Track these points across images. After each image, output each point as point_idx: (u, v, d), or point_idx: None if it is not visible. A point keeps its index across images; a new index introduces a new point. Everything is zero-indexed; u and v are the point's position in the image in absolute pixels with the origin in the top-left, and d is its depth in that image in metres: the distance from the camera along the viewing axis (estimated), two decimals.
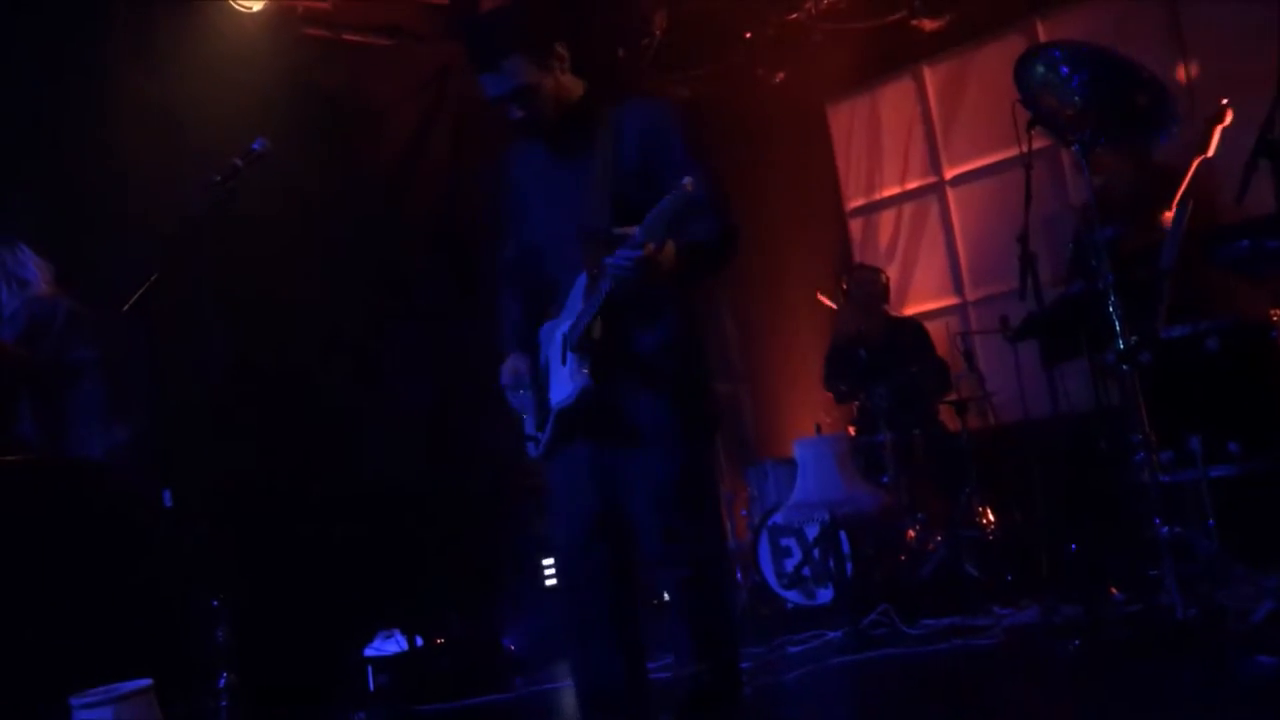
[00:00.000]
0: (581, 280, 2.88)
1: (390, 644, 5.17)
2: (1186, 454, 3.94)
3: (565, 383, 2.87)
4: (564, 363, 2.88)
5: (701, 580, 2.88)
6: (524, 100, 2.80)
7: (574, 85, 2.91)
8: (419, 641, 5.08)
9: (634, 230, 2.60)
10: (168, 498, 2.81)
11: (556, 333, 2.96)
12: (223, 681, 3.31)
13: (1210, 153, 4.47)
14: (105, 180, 4.51)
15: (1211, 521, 3.88)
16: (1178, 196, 4.46)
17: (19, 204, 4.16)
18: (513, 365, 3.02)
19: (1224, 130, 4.44)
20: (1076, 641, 3.65)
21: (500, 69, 2.75)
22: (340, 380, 5.11)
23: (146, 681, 2.42)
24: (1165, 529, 3.73)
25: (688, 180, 2.51)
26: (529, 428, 3.02)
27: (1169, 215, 4.68)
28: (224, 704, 3.32)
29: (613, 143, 2.87)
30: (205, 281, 3.04)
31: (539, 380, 3.00)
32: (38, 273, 4.05)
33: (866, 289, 6.23)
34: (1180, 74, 5.71)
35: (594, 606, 2.93)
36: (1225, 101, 4.47)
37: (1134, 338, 3.82)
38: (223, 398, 4.45)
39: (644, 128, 2.89)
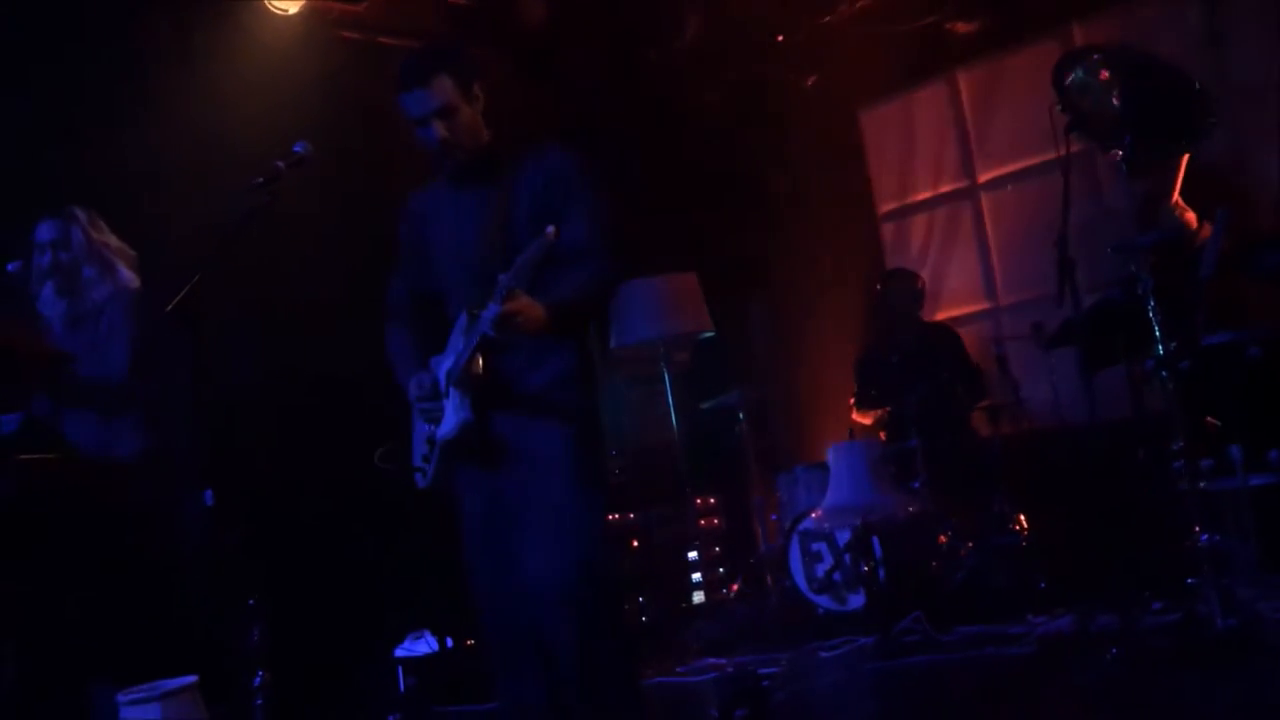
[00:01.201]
0: (462, 319, 3.00)
1: (420, 644, 5.18)
2: (1226, 462, 3.90)
3: (450, 416, 2.96)
4: (447, 397, 2.97)
5: (579, 615, 2.85)
6: (447, 119, 2.95)
7: (483, 130, 3.07)
8: (449, 642, 5.10)
9: (502, 276, 2.73)
10: (209, 497, 2.83)
11: (440, 369, 3.04)
12: (258, 680, 3.33)
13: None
14: (144, 183, 4.55)
15: (1251, 530, 3.84)
16: (1174, 197, 4.43)
17: (57, 208, 4.19)
18: (418, 380, 3.06)
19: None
20: (1113, 650, 3.62)
21: (429, 85, 2.92)
22: (376, 382, 5.12)
23: (192, 678, 2.43)
24: (1204, 537, 3.70)
25: (550, 229, 2.67)
26: (415, 458, 3.10)
27: (1191, 216, 4.65)
28: (259, 703, 3.34)
29: (511, 186, 3.02)
30: (246, 284, 3.05)
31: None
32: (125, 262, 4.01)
33: (902, 295, 6.20)
34: (1218, 77, 5.65)
35: (513, 637, 2.97)
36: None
37: (1174, 345, 3.79)
38: (262, 399, 4.48)
39: (543, 173, 3.03)
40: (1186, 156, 4.38)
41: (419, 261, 3.21)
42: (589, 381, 3.06)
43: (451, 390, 2.94)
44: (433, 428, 3.02)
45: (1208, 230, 4.47)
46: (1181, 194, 4.75)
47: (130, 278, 3.96)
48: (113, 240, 3.99)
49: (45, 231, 3.90)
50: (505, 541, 2.96)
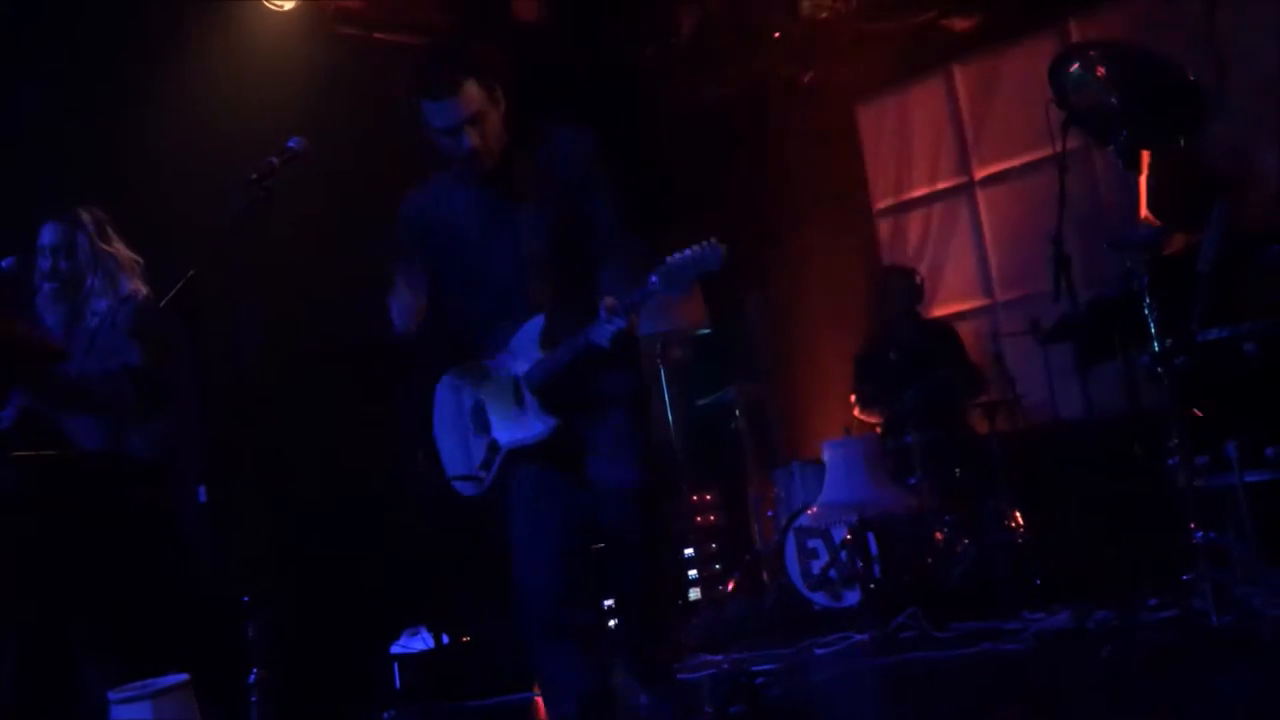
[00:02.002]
0: (536, 324, 2.97)
1: (417, 641, 5.18)
2: (1222, 459, 3.90)
3: (532, 422, 2.98)
4: (518, 403, 2.97)
5: (648, 516, 2.99)
6: (478, 126, 2.90)
7: (505, 132, 3.01)
8: (445, 639, 5.10)
9: (607, 302, 2.76)
10: (203, 494, 2.83)
11: (503, 373, 3.02)
12: (253, 677, 3.33)
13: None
14: (141, 180, 4.54)
15: (1247, 527, 3.84)
16: (1142, 210, 4.42)
17: (53, 204, 4.17)
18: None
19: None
20: (1109, 647, 3.62)
21: (459, 93, 2.86)
22: (375, 378, 5.13)
23: (183, 676, 2.43)
24: (1200, 534, 3.70)
25: (655, 279, 2.71)
26: (460, 467, 3.09)
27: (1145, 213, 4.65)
28: (254, 699, 3.33)
29: (537, 188, 2.99)
30: (242, 279, 3.05)
31: (466, 420, 3.04)
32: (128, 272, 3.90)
33: (901, 292, 6.20)
34: (1216, 73, 5.65)
35: (577, 649, 3.01)
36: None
37: (1169, 341, 3.79)
38: (258, 395, 4.46)
39: (562, 165, 3.02)
40: (1145, 174, 4.37)
41: (435, 268, 3.15)
42: (639, 366, 3.14)
43: (530, 398, 2.95)
44: (490, 435, 3.00)
45: (1179, 239, 4.47)
46: (1180, 190, 4.74)
47: (133, 289, 3.86)
48: (121, 250, 3.89)
49: (49, 235, 3.83)
50: (566, 493, 3.02)
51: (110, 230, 3.91)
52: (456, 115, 2.87)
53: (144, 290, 3.88)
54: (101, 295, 3.81)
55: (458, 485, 3.11)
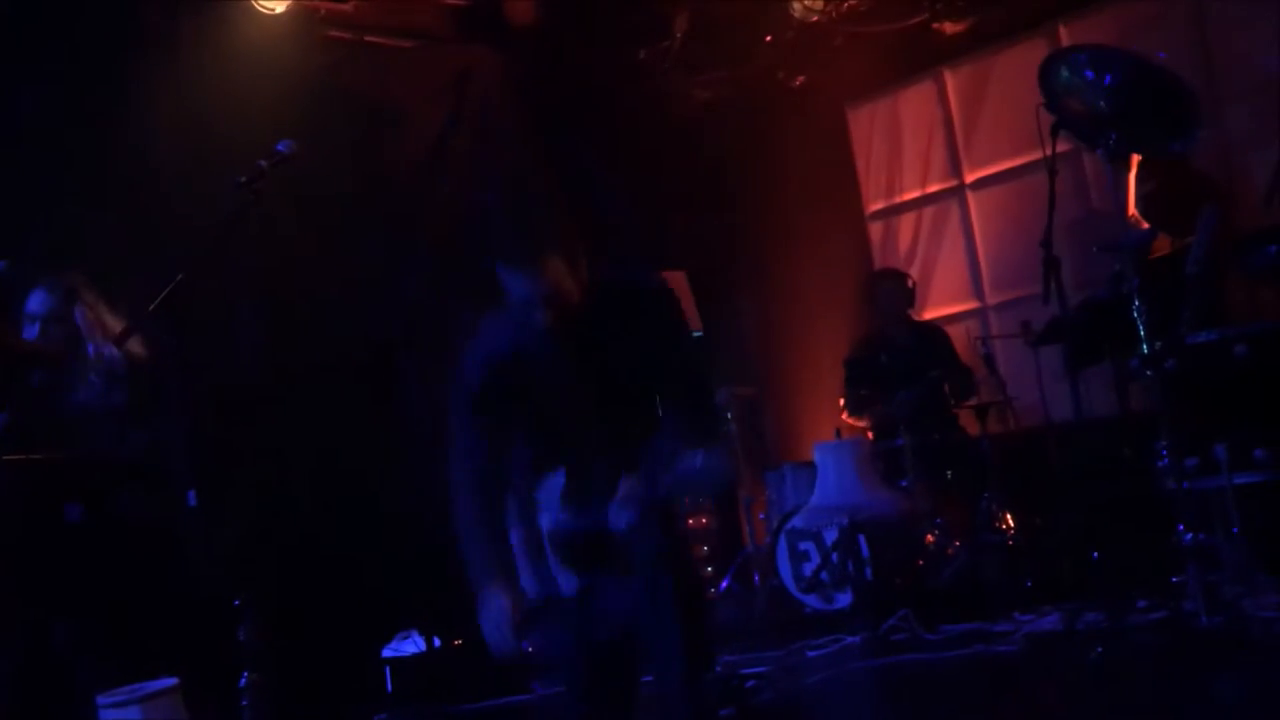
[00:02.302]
0: (559, 479, 2.92)
1: (408, 644, 5.18)
2: (1211, 461, 3.91)
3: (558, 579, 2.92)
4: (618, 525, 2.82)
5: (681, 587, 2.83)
6: (555, 303, 2.76)
7: (583, 281, 2.84)
8: (437, 642, 5.09)
9: (624, 489, 2.70)
10: (192, 498, 2.82)
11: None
12: (244, 681, 3.33)
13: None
14: (130, 182, 4.53)
15: (1236, 528, 3.85)
16: (1130, 210, 4.44)
17: (45, 206, 4.17)
18: (510, 605, 2.87)
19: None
20: (1099, 649, 3.63)
21: (540, 269, 2.71)
22: (365, 381, 5.12)
23: (172, 680, 2.42)
24: (1189, 536, 3.71)
25: (700, 461, 2.57)
26: (540, 589, 2.95)
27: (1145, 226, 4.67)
28: (245, 703, 3.33)
29: (614, 334, 2.87)
30: (232, 282, 3.04)
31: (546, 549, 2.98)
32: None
33: (892, 294, 6.20)
34: (1205, 78, 5.67)
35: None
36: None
37: (1159, 343, 3.80)
38: (248, 398, 4.47)
39: (637, 316, 2.88)
40: (1134, 173, 4.39)
41: (509, 407, 3.01)
42: (672, 526, 2.98)
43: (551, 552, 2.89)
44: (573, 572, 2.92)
45: (1164, 241, 4.49)
46: (1169, 192, 4.77)
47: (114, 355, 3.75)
48: (107, 319, 3.79)
49: (38, 304, 3.74)
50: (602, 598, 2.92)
51: (94, 295, 3.83)
52: (534, 291, 2.72)
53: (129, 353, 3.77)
54: (92, 369, 3.72)
55: (555, 616, 2.97)
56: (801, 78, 7.17)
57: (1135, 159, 4.50)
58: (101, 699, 2.34)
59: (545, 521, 2.96)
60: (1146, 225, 4.71)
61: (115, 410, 3.63)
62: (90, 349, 3.72)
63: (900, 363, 5.92)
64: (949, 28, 6.63)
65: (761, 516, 6.29)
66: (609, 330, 2.87)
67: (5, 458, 3.38)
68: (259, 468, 4.40)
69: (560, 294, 2.75)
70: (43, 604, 3.35)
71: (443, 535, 3.02)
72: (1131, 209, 4.44)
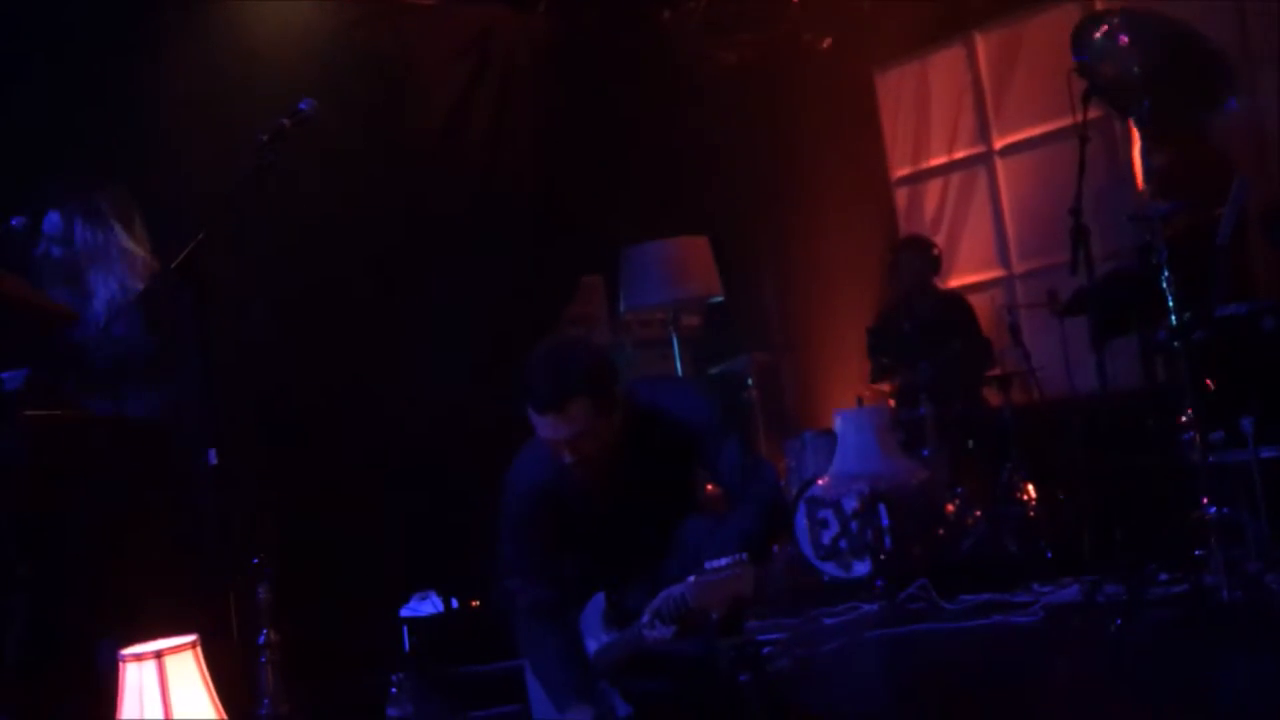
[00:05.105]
0: (599, 602, 3.02)
1: (426, 605, 5.21)
2: (1237, 434, 3.87)
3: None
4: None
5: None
6: (581, 444, 2.78)
7: (617, 423, 2.86)
8: (454, 604, 5.12)
9: (651, 608, 2.76)
10: (213, 456, 2.83)
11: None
12: (263, 638, 3.35)
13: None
14: (151, 141, 4.52)
15: (1261, 503, 3.81)
16: (1137, 174, 4.36)
17: (63, 165, 4.15)
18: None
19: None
20: (1119, 621, 3.61)
21: (564, 412, 2.73)
22: (385, 341, 5.12)
23: (191, 637, 2.44)
24: (1213, 509, 3.68)
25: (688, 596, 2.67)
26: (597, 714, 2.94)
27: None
28: (264, 660, 3.36)
29: (648, 459, 2.93)
30: (251, 241, 3.03)
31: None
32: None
33: (917, 262, 6.14)
34: (1240, 44, 5.56)
35: None
36: None
37: (1187, 315, 3.75)
38: (266, 358, 4.47)
39: (676, 441, 2.94)
40: (1137, 147, 4.31)
41: (559, 544, 3.07)
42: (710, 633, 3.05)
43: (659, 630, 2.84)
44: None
45: (1186, 217, 4.41)
46: (1186, 165, 4.68)
47: (135, 283, 3.73)
48: (129, 244, 3.76)
49: (49, 224, 3.72)
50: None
51: (125, 215, 3.79)
52: (558, 433, 2.76)
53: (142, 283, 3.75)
54: (102, 288, 3.71)
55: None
56: (828, 40, 7.08)
57: (1136, 138, 4.41)
58: (121, 654, 2.37)
59: (590, 645, 3.00)
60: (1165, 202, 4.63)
61: (118, 350, 3.61)
62: (91, 276, 3.70)
63: (923, 332, 5.87)
64: None
65: (781, 484, 6.28)
66: (642, 460, 2.91)
67: (25, 414, 3.39)
68: (279, 427, 4.41)
69: (584, 436, 2.76)
70: (59, 563, 3.38)
71: (463, 496, 3.03)
72: (1140, 184, 4.37)
